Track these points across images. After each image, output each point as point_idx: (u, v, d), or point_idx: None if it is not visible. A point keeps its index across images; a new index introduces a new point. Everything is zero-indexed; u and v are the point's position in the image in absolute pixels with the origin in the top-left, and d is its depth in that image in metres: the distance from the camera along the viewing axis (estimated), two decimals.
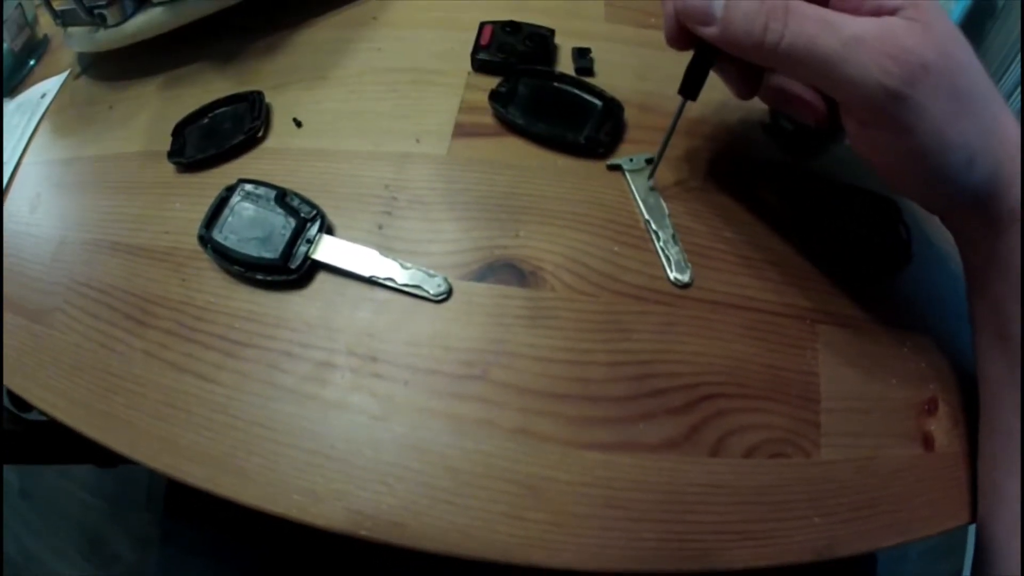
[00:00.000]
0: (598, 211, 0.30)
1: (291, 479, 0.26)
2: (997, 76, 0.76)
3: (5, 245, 0.38)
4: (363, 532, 0.25)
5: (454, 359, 0.27)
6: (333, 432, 0.26)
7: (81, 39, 0.43)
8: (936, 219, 0.27)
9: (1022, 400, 0.23)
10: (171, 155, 0.35)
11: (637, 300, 0.28)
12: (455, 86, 0.35)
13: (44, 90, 0.46)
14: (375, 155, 0.33)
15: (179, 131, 0.36)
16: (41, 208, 0.39)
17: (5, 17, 0.47)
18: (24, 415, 0.53)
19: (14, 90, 0.49)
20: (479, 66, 0.35)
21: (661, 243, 0.29)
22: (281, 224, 0.30)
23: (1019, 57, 0.73)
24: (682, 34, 0.25)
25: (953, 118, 0.21)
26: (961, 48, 0.22)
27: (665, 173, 0.31)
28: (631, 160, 0.31)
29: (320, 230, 0.30)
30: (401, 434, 0.26)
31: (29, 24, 0.49)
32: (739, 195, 0.31)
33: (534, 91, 0.33)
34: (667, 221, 0.30)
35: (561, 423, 0.26)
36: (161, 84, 0.41)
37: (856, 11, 0.22)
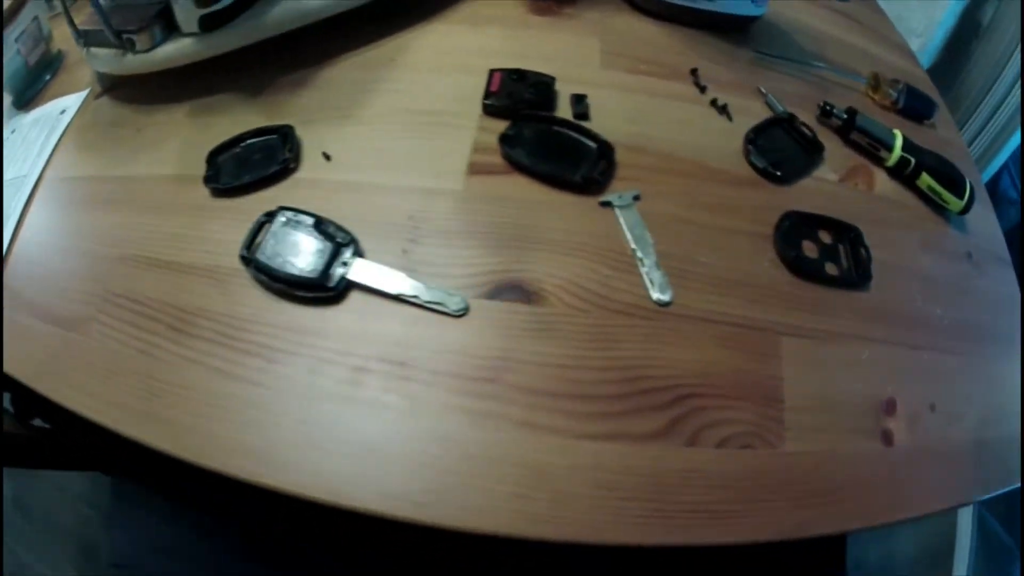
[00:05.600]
0: (593, 240, 0.36)
1: (330, 468, 0.30)
2: (982, 94, 0.79)
3: (32, 255, 0.40)
4: (391, 512, 0.29)
5: (472, 364, 0.32)
6: (368, 426, 0.31)
7: (106, 61, 0.45)
8: (894, 244, 0.31)
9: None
10: (207, 180, 0.39)
11: (625, 316, 0.34)
12: (468, 128, 0.40)
13: (63, 106, 0.49)
14: (400, 189, 0.37)
15: (213, 158, 0.40)
16: (69, 222, 0.41)
17: (22, 30, 0.49)
18: (26, 423, 0.54)
19: (29, 103, 0.50)
20: (489, 110, 0.40)
21: (646, 268, 0.35)
22: (319, 248, 0.34)
23: (1003, 75, 0.75)
24: None
25: None
26: None
27: (651, 204, 0.37)
28: (620, 196, 0.37)
29: (354, 254, 0.34)
30: (426, 427, 0.30)
31: (45, 39, 0.51)
32: (714, 223, 0.37)
33: (537, 134, 0.38)
34: (651, 250, 0.36)
35: (561, 417, 0.31)
36: (190, 111, 0.44)
37: None
